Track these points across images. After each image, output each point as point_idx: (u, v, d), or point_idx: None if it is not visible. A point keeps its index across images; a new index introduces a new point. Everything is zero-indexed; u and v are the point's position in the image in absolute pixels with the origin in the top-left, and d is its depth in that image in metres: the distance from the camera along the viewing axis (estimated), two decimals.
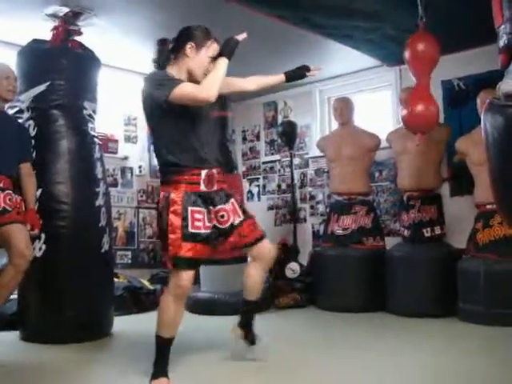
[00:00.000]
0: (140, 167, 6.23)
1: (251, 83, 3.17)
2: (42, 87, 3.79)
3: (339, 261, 5.08)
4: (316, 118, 6.41)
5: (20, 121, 3.76)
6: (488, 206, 4.32)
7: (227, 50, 2.78)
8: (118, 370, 2.98)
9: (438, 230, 4.83)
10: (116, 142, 5.97)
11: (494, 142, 2.08)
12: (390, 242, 5.23)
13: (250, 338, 3.10)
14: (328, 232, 5.36)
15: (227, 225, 2.82)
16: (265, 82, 3.22)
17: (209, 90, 2.64)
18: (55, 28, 4.07)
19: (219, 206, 2.80)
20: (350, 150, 5.26)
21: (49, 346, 3.48)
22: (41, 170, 3.64)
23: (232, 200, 2.88)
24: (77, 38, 4.13)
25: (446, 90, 5.30)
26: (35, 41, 3.94)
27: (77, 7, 4.18)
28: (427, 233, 4.82)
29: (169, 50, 2.85)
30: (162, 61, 2.85)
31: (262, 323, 4.40)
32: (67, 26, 4.12)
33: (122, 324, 4.16)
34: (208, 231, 2.73)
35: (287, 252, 5.73)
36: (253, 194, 6.92)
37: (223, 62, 2.75)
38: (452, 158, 5.05)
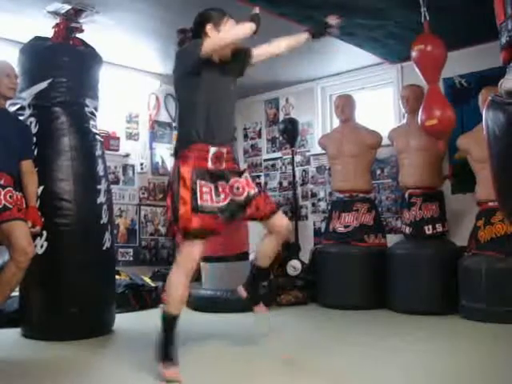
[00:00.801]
0: (141, 164, 6.24)
1: (278, 47, 3.17)
2: (43, 84, 3.78)
3: (341, 258, 5.08)
4: (318, 115, 6.40)
5: (22, 118, 3.76)
6: (489, 204, 4.32)
7: (256, 21, 2.85)
8: (119, 366, 2.98)
9: (439, 228, 4.83)
10: (117, 139, 5.97)
11: (495, 139, 2.08)
12: (392, 240, 5.23)
13: (253, 299, 3.19)
14: (329, 229, 5.36)
15: (243, 196, 2.89)
16: (290, 44, 3.19)
17: (232, 34, 2.84)
18: (57, 25, 4.08)
19: (233, 179, 2.88)
20: (352, 147, 5.25)
21: (50, 342, 3.48)
22: (42, 168, 3.64)
23: (246, 174, 2.97)
24: (78, 35, 4.13)
25: (447, 88, 5.29)
26: (37, 38, 3.94)
27: (79, 4, 4.18)
28: (429, 230, 4.81)
29: (191, 37, 2.96)
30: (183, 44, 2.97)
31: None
32: (69, 23, 4.12)
33: (124, 321, 4.16)
34: (216, 205, 2.78)
35: (289, 249, 5.73)
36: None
37: (250, 24, 2.82)
38: (454, 155, 5.04)
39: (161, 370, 2.63)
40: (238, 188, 2.89)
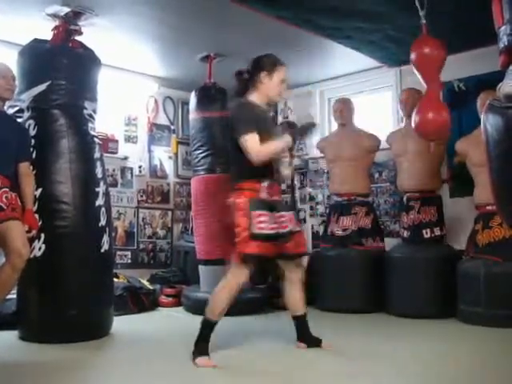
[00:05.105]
0: (140, 167, 6.23)
1: None
2: (42, 87, 3.79)
3: (338, 261, 5.08)
4: (316, 118, 6.40)
5: (20, 120, 3.75)
6: (488, 207, 4.32)
7: (298, 131, 3.26)
8: (117, 369, 2.98)
9: (437, 231, 4.83)
10: (116, 141, 5.97)
11: (494, 142, 2.08)
12: (390, 243, 5.23)
13: (313, 344, 3.37)
14: (328, 233, 5.36)
15: (287, 230, 3.16)
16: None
17: (259, 155, 3.08)
18: (56, 28, 4.08)
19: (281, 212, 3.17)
20: (350, 150, 5.26)
21: (48, 345, 3.47)
22: (41, 170, 3.64)
23: (292, 212, 3.31)
24: (77, 37, 4.13)
25: (446, 91, 5.29)
26: (36, 40, 3.94)
27: (78, 7, 4.18)
28: (427, 234, 4.82)
29: (246, 80, 3.29)
30: (240, 90, 3.32)
31: (261, 324, 4.41)
32: (68, 25, 4.12)
33: (122, 324, 4.15)
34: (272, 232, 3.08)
35: None
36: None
37: (286, 139, 3.17)
38: (452, 159, 5.05)
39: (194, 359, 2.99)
40: (283, 222, 3.17)
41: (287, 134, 3.19)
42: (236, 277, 3.10)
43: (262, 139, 3.11)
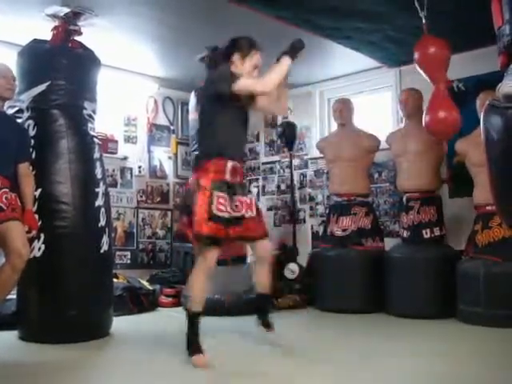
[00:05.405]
0: (139, 167, 6.23)
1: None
2: (42, 87, 3.78)
3: (338, 262, 5.08)
4: (316, 119, 6.41)
5: (20, 120, 3.75)
6: (487, 208, 4.32)
7: (292, 51, 3.14)
8: (117, 369, 2.98)
9: (437, 232, 4.82)
10: (116, 142, 5.97)
11: (493, 143, 2.08)
12: (390, 244, 5.23)
13: (267, 325, 3.47)
14: (327, 233, 5.35)
15: (239, 214, 3.13)
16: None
17: (267, 84, 3.04)
18: (55, 28, 4.08)
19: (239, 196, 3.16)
20: (350, 151, 5.25)
21: (47, 345, 3.47)
22: (40, 170, 3.64)
23: (251, 196, 3.32)
24: (77, 37, 4.13)
25: None
26: (35, 41, 3.94)
27: (77, 7, 4.18)
28: (426, 234, 4.81)
29: (220, 56, 3.28)
30: (213, 65, 3.31)
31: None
32: (67, 25, 4.12)
33: (122, 324, 4.15)
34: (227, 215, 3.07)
35: (286, 253, 5.73)
36: (252, 195, 6.91)
37: (286, 62, 3.10)
38: (451, 159, 5.05)
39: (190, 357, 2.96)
40: (236, 206, 3.13)
41: (282, 57, 3.12)
42: (205, 261, 3.11)
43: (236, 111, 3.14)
